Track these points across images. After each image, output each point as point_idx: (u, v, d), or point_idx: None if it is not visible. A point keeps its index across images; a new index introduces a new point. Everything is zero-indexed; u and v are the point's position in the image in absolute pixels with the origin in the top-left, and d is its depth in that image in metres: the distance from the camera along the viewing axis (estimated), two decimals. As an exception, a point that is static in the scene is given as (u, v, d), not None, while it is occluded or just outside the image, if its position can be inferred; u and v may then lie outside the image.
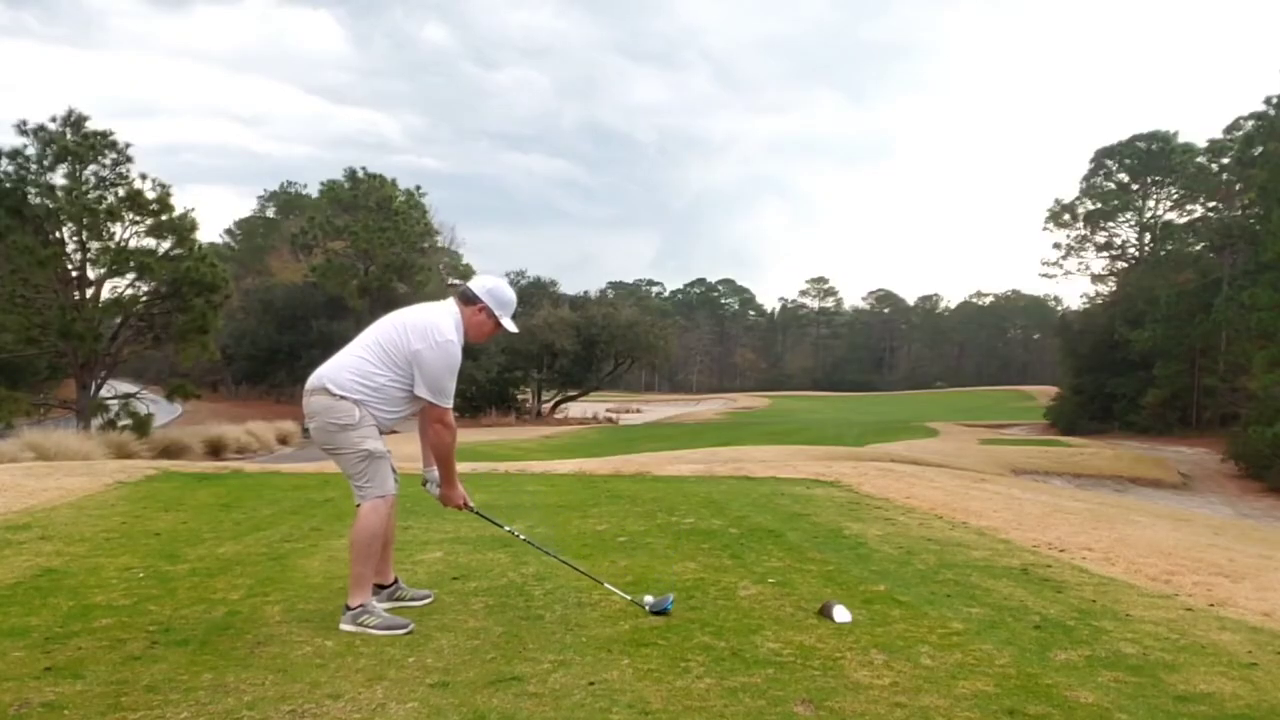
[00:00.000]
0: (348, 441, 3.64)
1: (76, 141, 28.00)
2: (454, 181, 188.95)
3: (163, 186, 29.19)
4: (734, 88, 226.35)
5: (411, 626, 3.61)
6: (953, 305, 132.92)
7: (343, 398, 3.64)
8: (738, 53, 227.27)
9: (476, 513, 4.06)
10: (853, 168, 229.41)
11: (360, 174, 51.66)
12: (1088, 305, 65.21)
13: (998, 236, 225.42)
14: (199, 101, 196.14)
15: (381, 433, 3.76)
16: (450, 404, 3.71)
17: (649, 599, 3.98)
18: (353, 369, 3.69)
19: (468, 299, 3.81)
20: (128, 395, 31.15)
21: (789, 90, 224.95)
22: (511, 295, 3.90)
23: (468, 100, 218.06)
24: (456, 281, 3.99)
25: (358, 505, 3.72)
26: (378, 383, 3.67)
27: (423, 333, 3.66)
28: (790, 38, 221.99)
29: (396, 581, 4.04)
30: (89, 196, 28.00)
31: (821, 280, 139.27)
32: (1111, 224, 63.11)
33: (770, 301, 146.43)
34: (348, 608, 3.64)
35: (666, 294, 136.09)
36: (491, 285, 3.85)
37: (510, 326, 3.88)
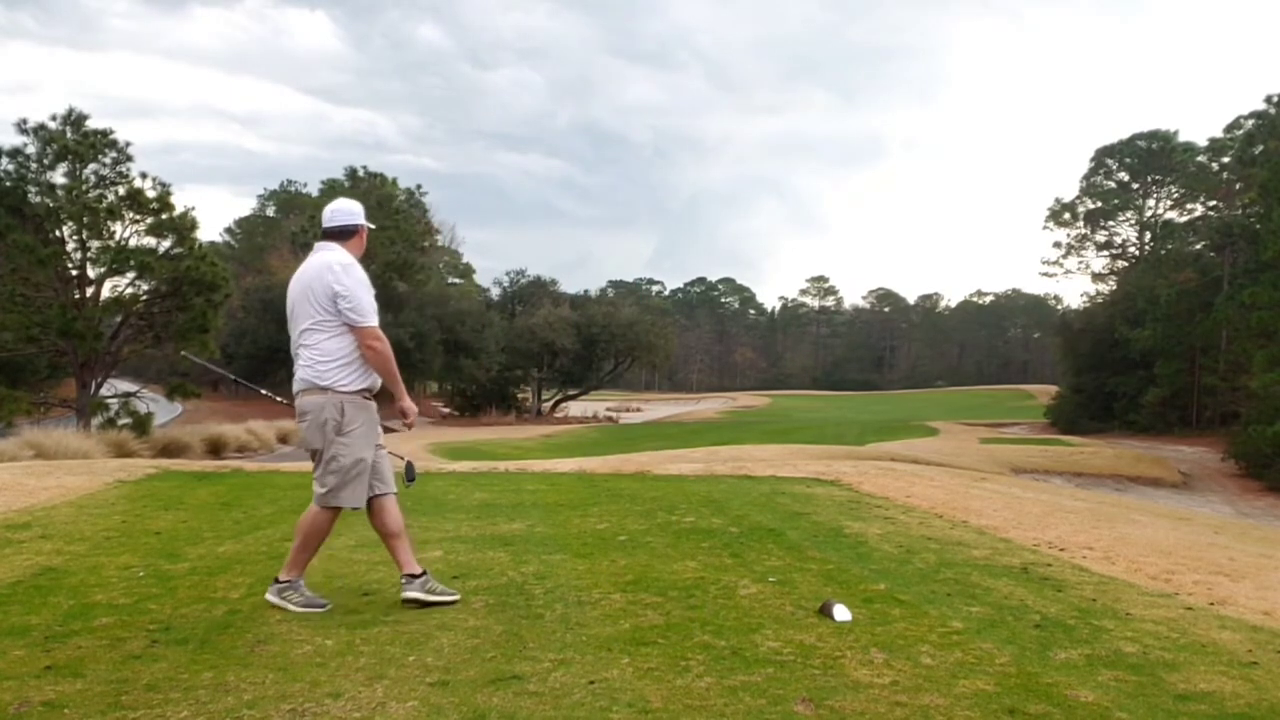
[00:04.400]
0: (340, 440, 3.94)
1: (76, 140, 27.96)
2: (452, 181, 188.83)
3: (163, 185, 29.14)
4: (727, 88, 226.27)
5: (329, 605, 3.86)
6: (953, 304, 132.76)
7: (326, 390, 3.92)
8: (730, 53, 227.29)
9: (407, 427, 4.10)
10: (850, 167, 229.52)
11: (361, 173, 51.76)
12: (1088, 304, 65.17)
13: (998, 236, 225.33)
14: (196, 101, 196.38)
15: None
16: (375, 321, 3.90)
17: None
18: (319, 356, 3.97)
19: (347, 233, 4.00)
20: (128, 394, 31.08)
21: (782, 90, 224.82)
22: (344, 203, 4.13)
23: (464, 100, 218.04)
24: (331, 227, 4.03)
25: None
26: (339, 350, 3.89)
27: (325, 269, 3.85)
28: (781, 38, 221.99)
29: (425, 573, 4.02)
30: (89, 195, 27.95)
31: (821, 279, 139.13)
32: (1112, 223, 63.18)
33: (770, 300, 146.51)
34: (277, 580, 3.94)
35: (667, 293, 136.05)
36: (338, 206, 4.06)
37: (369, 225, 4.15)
